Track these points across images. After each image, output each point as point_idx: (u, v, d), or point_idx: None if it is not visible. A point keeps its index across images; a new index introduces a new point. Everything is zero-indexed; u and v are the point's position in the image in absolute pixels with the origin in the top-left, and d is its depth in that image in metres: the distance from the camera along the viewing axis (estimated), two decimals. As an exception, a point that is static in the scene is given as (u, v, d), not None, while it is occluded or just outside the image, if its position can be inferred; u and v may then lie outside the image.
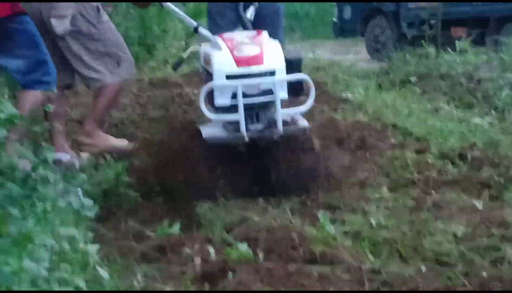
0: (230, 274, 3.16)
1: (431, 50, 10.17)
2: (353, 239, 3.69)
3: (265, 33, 4.38)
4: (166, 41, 11.85)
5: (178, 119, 6.22)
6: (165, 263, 3.36)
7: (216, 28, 5.12)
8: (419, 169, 4.84)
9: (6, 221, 2.72)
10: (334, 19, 16.21)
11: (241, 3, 4.80)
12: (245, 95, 4.06)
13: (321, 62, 10.99)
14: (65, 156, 3.35)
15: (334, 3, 16.41)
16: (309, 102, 4.18)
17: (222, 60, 4.16)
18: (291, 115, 4.30)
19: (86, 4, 5.29)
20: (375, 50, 14.53)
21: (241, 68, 4.10)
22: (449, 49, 10.08)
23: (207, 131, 4.25)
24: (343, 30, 16.06)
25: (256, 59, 4.11)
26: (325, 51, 13.85)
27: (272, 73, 4.11)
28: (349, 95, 7.88)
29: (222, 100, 4.12)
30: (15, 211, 2.91)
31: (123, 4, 12.68)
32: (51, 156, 3.36)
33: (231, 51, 4.15)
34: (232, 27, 4.99)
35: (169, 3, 4.79)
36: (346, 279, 3.16)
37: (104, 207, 4.06)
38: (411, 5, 13.73)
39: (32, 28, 4.67)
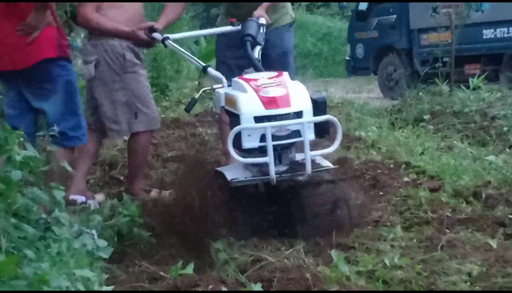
0: (244, 315, 3.17)
1: (445, 87, 10.21)
2: (367, 278, 3.68)
3: (286, 74, 4.35)
4: (179, 82, 11.97)
5: (192, 160, 6.23)
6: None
7: (225, 68, 5.19)
8: (433, 207, 4.82)
9: (21, 263, 2.74)
10: (347, 57, 16.32)
11: (248, 43, 4.76)
12: (273, 138, 4.03)
13: (334, 100, 11.04)
14: (81, 198, 3.38)
15: (347, 42, 16.52)
16: (336, 143, 4.14)
17: (249, 102, 4.10)
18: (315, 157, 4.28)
19: (110, 51, 5.31)
20: (388, 88, 14.59)
21: (269, 110, 4.05)
22: (462, 87, 10.12)
23: (231, 174, 4.22)
24: (355, 68, 16.16)
25: (283, 101, 4.06)
26: (338, 90, 13.90)
27: (299, 114, 4.07)
28: (362, 134, 7.91)
29: (250, 142, 4.07)
30: (30, 253, 2.93)
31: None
32: (61, 195, 3.39)
33: (257, 93, 4.10)
34: (239, 68, 4.98)
35: (173, 44, 4.85)
36: (360, 319, 3.16)
37: (119, 248, 4.08)
38: (424, 42, 13.81)
39: (72, 77, 4.66)
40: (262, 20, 4.96)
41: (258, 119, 4.04)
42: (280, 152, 4.17)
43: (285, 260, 3.77)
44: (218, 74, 4.63)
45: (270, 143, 3.99)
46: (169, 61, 11.47)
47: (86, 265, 3.02)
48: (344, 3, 17.39)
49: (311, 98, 4.16)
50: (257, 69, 4.56)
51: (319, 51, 21.95)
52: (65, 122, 4.56)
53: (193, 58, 4.83)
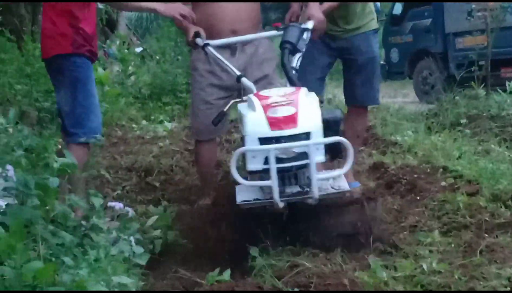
0: (281, 320, 3.16)
1: (481, 91, 10.11)
2: (405, 284, 3.65)
3: (303, 90, 4.17)
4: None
5: (227, 165, 6.23)
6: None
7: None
8: (471, 212, 4.77)
9: (59, 270, 2.75)
10: (382, 62, 16.23)
11: (286, 51, 4.57)
12: (278, 160, 3.87)
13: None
14: (119, 204, 3.38)
15: (381, 46, 16.42)
16: (347, 166, 3.94)
17: (255, 122, 3.95)
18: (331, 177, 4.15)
19: None
20: (424, 92, 14.49)
21: (274, 131, 3.88)
22: (499, 90, 10.01)
23: (241, 195, 4.09)
24: (390, 73, 16.06)
25: (290, 121, 3.88)
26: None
27: (307, 135, 3.89)
28: (398, 138, 7.86)
29: (254, 165, 3.92)
30: (68, 260, 2.95)
31: (171, 51, 12.91)
32: (98, 202, 3.41)
33: (265, 112, 3.94)
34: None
35: (213, 51, 4.79)
36: (399, 325, 3.13)
37: (155, 255, 4.09)
38: (460, 46, 13.70)
39: (81, 75, 4.73)
40: (309, 24, 4.77)
41: (263, 140, 3.89)
42: (295, 172, 4.00)
43: (322, 265, 3.75)
44: (250, 85, 4.53)
45: (273, 166, 3.84)
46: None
47: (123, 271, 3.03)
48: (378, 6, 17.30)
49: (322, 117, 3.97)
50: (290, 81, 4.43)
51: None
52: (68, 118, 4.71)
53: (229, 66, 4.72)
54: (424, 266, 3.81)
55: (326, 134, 3.93)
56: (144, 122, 9.69)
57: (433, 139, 7.66)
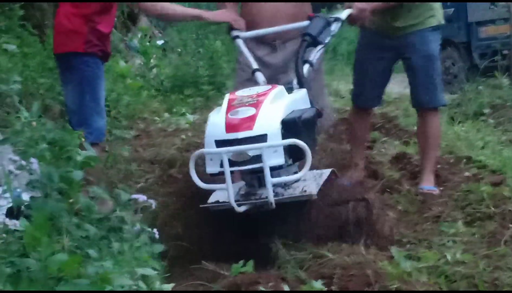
0: (305, 311, 3.16)
1: (504, 80, 10.04)
2: (428, 275, 3.65)
3: (275, 90, 4.10)
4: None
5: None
6: (240, 301, 3.36)
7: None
8: (495, 202, 4.74)
9: (83, 262, 2.77)
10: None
11: (304, 44, 4.48)
12: (232, 163, 3.83)
13: (391, 95, 10.94)
14: (142, 196, 3.39)
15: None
16: (304, 171, 3.80)
17: (215, 124, 3.95)
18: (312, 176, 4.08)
19: None
20: (447, 82, 14.38)
21: (229, 134, 3.85)
22: (522, 79, 9.96)
23: (211, 198, 4.09)
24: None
25: (245, 124, 3.84)
26: (395, 85, 13.71)
27: (262, 138, 3.80)
28: (421, 129, 7.82)
29: (211, 167, 3.91)
30: (92, 252, 2.97)
31: (193, 44, 12.91)
32: (126, 197, 3.42)
33: (227, 114, 3.92)
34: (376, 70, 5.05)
35: (240, 44, 4.79)
36: (422, 316, 3.13)
37: (179, 247, 4.10)
38: (483, 35, 13.61)
39: (90, 74, 4.75)
40: (342, 14, 4.72)
41: (219, 143, 3.86)
42: (259, 175, 3.91)
43: (345, 256, 3.74)
44: (261, 80, 4.54)
45: (227, 170, 3.80)
46: (226, 59, 11.50)
47: (147, 263, 3.04)
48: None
49: (284, 119, 3.88)
50: (299, 75, 4.35)
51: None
52: (74, 116, 4.76)
53: (250, 58, 4.72)
54: (448, 257, 3.80)
55: (285, 136, 3.83)
56: (166, 115, 9.70)
57: (456, 129, 7.64)
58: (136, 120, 9.05)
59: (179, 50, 13.22)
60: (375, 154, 6.71)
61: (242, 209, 3.90)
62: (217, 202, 4.02)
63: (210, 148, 3.89)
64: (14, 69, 7.56)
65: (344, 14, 4.74)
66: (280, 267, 3.80)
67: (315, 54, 4.54)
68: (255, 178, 3.97)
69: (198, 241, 4.17)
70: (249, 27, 4.91)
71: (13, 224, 2.71)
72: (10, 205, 3.09)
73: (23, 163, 3.01)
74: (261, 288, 3.34)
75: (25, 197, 3.15)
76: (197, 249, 4.11)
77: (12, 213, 2.98)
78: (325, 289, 3.36)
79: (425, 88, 5.36)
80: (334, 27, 4.63)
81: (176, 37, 14.21)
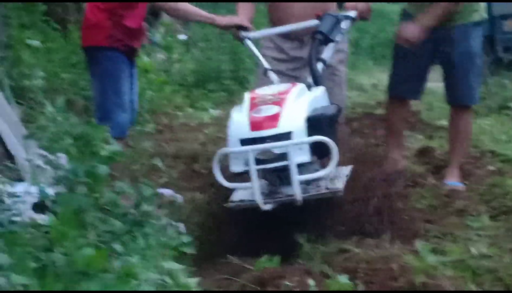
0: (330, 306, 3.15)
1: (529, 74, 9.98)
2: (454, 269, 3.63)
3: (296, 88, 4.09)
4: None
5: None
6: (265, 296, 3.36)
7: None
8: (521, 196, 4.73)
9: (109, 257, 2.77)
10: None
11: (316, 42, 4.44)
12: (259, 161, 3.81)
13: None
14: (168, 191, 3.41)
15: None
16: (330, 167, 3.80)
17: (238, 123, 3.92)
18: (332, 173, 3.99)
19: None
20: (470, 75, 14.32)
21: (254, 132, 3.84)
22: (547, 73, 9.89)
23: (233, 196, 4.08)
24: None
25: (270, 122, 3.82)
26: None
27: (287, 136, 3.80)
28: (445, 123, 7.75)
29: (236, 166, 3.89)
30: (118, 247, 2.97)
31: (215, 38, 12.91)
32: (150, 192, 3.43)
33: (250, 112, 3.91)
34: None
35: (250, 45, 4.74)
36: (449, 310, 3.11)
37: (205, 242, 4.10)
38: (507, 28, 13.52)
39: (112, 68, 4.78)
40: (351, 12, 4.64)
41: (243, 141, 3.85)
42: (285, 173, 3.87)
43: (370, 251, 3.73)
44: (275, 80, 4.51)
45: (253, 168, 3.78)
46: (248, 54, 11.47)
47: (173, 258, 3.05)
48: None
49: (309, 116, 3.87)
50: (313, 74, 4.32)
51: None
52: (97, 110, 4.84)
53: (261, 58, 4.70)
54: (474, 251, 3.79)
55: (310, 134, 3.83)
56: (189, 109, 9.72)
57: (480, 123, 7.58)
58: (159, 115, 9.07)
59: (202, 45, 13.21)
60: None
61: (268, 207, 3.89)
62: (242, 200, 4.00)
63: (234, 147, 3.88)
64: (38, 65, 7.61)
65: (352, 12, 4.66)
66: (305, 262, 3.79)
67: (327, 52, 4.49)
68: (277, 176, 3.95)
69: (223, 235, 4.17)
70: (276, 23, 4.91)
71: (41, 218, 2.72)
72: (35, 200, 3.10)
73: (51, 157, 3.03)
74: (286, 283, 3.34)
75: (49, 192, 3.16)
76: (222, 243, 4.12)
77: (39, 208, 2.99)
78: (351, 283, 3.35)
79: (462, 85, 5.28)
80: (344, 24, 4.58)
81: (198, 32, 14.20)
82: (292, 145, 3.76)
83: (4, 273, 2.53)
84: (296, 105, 3.91)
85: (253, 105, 3.95)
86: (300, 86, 4.13)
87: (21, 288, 2.46)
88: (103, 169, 3.14)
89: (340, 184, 4.01)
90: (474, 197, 4.92)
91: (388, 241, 3.90)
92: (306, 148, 3.80)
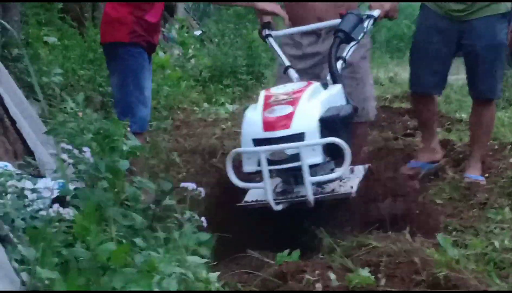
0: (352, 299, 3.13)
1: (550, 66, 9.89)
2: (476, 262, 3.60)
3: (311, 87, 4.05)
4: (274, 69, 12.00)
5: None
6: (287, 290, 3.34)
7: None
8: (542, 188, 4.70)
9: (131, 251, 2.77)
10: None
11: (337, 40, 4.37)
12: (270, 162, 3.80)
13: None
14: (191, 184, 3.40)
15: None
16: (343, 169, 3.78)
17: (252, 122, 3.91)
18: (344, 175, 3.97)
19: None
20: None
21: (266, 132, 3.81)
22: None
23: (247, 196, 4.09)
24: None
25: (283, 122, 3.79)
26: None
27: (300, 137, 3.77)
28: (463, 115, 7.73)
29: (249, 166, 3.88)
30: (139, 241, 2.97)
31: (230, 33, 12.92)
32: (168, 186, 3.43)
33: (264, 112, 3.88)
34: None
35: (272, 42, 4.72)
36: (472, 304, 3.09)
37: (225, 236, 4.09)
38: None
39: (133, 64, 4.77)
40: (374, 11, 4.57)
41: (256, 141, 3.83)
42: (296, 173, 3.86)
43: (391, 244, 3.70)
44: (294, 78, 4.48)
45: (265, 168, 3.77)
46: (264, 49, 11.48)
47: (194, 251, 3.05)
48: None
49: (320, 116, 3.83)
50: (332, 72, 4.28)
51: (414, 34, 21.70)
52: (118, 105, 4.83)
53: (282, 56, 4.68)
54: (496, 244, 3.77)
55: (325, 134, 3.79)
56: (205, 105, 9.72)
57: (500, 115, 7.52)
58: (176, 110, 9.08)
59: (217, 40, 13.23)
60: (417, 141, 6.65)
61: (279, 207, 3.88)
62: (256, 200, 4.00)
63: (247, 147, 3.87)
64: (55, 62, 7.63)
65: (375, 12, 4.60)
66: (325, 256, 3.77)
67: (347, 52, 4.43)
68: (291, 175, 3.94)
69: (242, 229, 4.16)
70: (298, 21, 4.87)
71: (66, 213, 2.72)
72: (54, 195, 3.10)
73: (76, 151, 3.03)
74: (307, 276, 3.32)
75: (69, 187, 3.16)
76: (242, 237, 4.11)
77: (59, 203, 2.99)
78: (372, 276, 3.33)
79: (485, 78, 5.20)
80: (367, 24, 4.52)
81: (213, 28, 14.22)
82: (304, 146, 3.74)
83: (27, 268, 2.54)
84: (309, 106, 3.87)
85: (267, 105, 3.92)
86: (315, 85, 4.10)
87: (46, 283, 2.46)
88: (123, 164, 3.14)
89: (353, 186, 3.98)
90: (495, 189, 4.89)
91: (409, 235, 3.87)
92: (319, 148, 3.78)
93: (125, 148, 3.19)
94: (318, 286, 3.28)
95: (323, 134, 3.80)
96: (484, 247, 3.76)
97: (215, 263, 3.42)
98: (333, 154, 3.85)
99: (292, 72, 4.55)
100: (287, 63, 4.61)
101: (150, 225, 3.24)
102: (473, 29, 5.09)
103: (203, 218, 3.22)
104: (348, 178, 4.09)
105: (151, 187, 3.35)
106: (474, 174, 5.20)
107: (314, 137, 3.78)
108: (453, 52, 5.29)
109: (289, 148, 3.76)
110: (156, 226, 3.25)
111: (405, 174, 5.01)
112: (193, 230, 3.14)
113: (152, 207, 3.36)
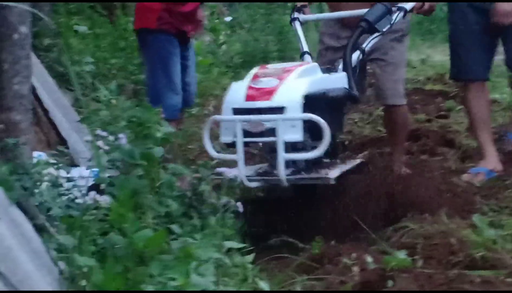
0: (389, 282, 3.11)
1: None
2: (513, 242, 3.58)
3: (307, 66, 4.00)
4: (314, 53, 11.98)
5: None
6: (323, 274, 3.33)
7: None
8: None
9: (167, 238, 2.79)
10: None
11: (359, 29, 4.27)
12: (246, 133, 3.71)
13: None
14: (228, 170, 3.40)
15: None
16: (320, 149, 3.66)
17: (235, 92, 3.85)
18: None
19: None
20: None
21: (247, 102, 3.73)
22: None
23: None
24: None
25: (265, 94, 3.71)
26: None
27: (280, 110, 3.66)
28: (497, 96, 7.64)
29: (226, 136, 3.80)
30: (175, 228, 2.99)
31: (261, 19, 12.89)
32: (204, 173, 3.44)
33: (250, 83, 3.82)
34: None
35: (296, 26, 4.68)
36: (510, 283, 3.06)
37: (259, 221, 4.09)
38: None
39: (162, 51, 4.80)
40: (407, 4, 4.45)
41: (236, 111, 3.76)
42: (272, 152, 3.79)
43: (428, 226, 3.68)
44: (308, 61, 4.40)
45: (240, 139, 3.69)
46: (294, 34, 11.44)
47: (230, 236, 3.05)
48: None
49: (307, 92, 3.72)
50: (345, 63, 4.17)
51: (445, 15, 21.51)
52: (149, 91, 4.91)
53: (302, 41, 4.59)
54: (533, 224, 3.73)
55: (309, 112, 3.68)
56: (237, 91, 9.70)
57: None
58: (208, 97, 9.07)
59: (247, 26, 13.20)
60: (451, 122, 6.61)
61: (253, 184, 3.81)
62: (220, 174, 3.74)
63: (227, 115, 3.81)
64: (86, 51, 7.66)
65: (408, 4, 4.47)
66: (362, 239, 3.76)
67: (369, 42, 4.34)
68: (275, 157, 3.76)
69: (277, 214, 4.15)
70: (332, 9, 4.87)
71: (103, 200, 2.74)
72: (89, 184, 3.12)
73: (111, 138, 3.05)
74: (344, 260, 3.32)
75: (104, 175, 3.17)
76: (278, 223, 4.10)
77: (95, 190, 3.00)
78: (409, 259, 3.31)
79: None
80: (396, 16, 4.38)
81: (244, 13, 14.19)
82: (281, 120, 3.63)
83: (64, 256, 2.56)
84: (296, 81, 3.79)
85: (255, 76, 3.88)
86: (311, 65, 4.05)
87: (84, 270, 2.48)
88: (158, 151, 3.15)
89: (334, 174, 3.84)
90: (531, 169, 4.85)
91: (445, 216, 3.84)
92: (299, 126, 3.66)
93: (158, 134, 3.19)
94: (355, 270, 3.27)
95: (307, 112, 3.69)
96: (521, 228, 3.73)
97: (251, 248, 3.42)
98: (319, 136, 3.69)
99: (308, 58, 4.49)
100: (305, 48, 4.55)
101: (186, 212, 3.25)
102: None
103: (238, 203, 3.23)
104: (337, 167, 4.00)
105: (186, 173, 3.36)
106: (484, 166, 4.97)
107: (295, 113, 3.67)
108: (496, 36, 5.02)
109: (265, 120, 3.67)
110: (192, 212, 3.26)
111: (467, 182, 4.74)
112: (229, 215, 3.14)
113: (188, 193, 3.37)
